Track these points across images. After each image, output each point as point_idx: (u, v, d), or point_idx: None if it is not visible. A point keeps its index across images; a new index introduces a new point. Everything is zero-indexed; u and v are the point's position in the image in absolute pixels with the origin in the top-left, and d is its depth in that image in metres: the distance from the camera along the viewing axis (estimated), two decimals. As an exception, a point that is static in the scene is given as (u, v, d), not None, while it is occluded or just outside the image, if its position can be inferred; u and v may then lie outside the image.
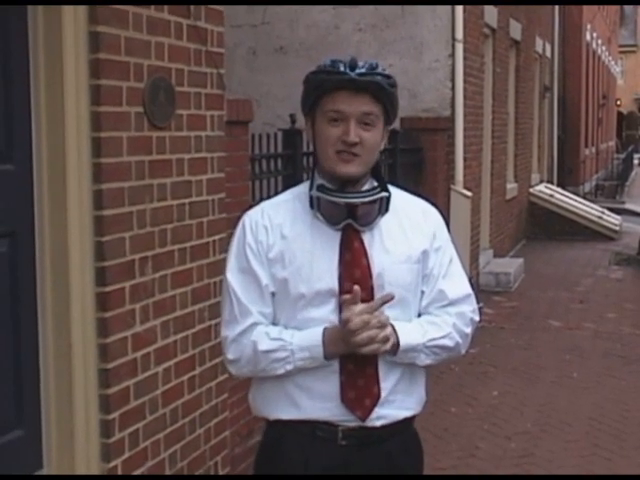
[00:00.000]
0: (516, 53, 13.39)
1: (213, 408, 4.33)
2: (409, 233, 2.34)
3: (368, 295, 2.23)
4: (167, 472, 3.93)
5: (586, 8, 22.89)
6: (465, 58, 8.98)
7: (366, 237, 2.29)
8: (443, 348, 2.33)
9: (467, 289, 2.41)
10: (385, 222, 2.32)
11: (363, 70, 2.22)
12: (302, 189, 2.37)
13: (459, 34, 8.73)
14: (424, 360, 2.31)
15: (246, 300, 2.28)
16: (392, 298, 2.21)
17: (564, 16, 20.45)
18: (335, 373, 2.26)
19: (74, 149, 3.36)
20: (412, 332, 2.28)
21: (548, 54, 17.27)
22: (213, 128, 4.26)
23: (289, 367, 2.25)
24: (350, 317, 2.15)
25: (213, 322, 4.19)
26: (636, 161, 37.74)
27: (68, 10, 3.32)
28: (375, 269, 2.27)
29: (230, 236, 2.48)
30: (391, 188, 2.35)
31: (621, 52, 43.91)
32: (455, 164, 9.04)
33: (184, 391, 4.06)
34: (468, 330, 2.38)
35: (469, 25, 9.32)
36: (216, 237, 4.30)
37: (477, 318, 2.43)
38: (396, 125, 7.78)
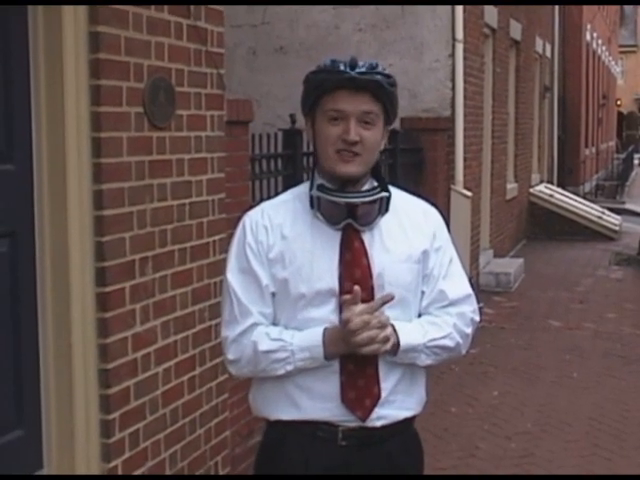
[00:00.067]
0: (516, 53, 13.39)
1: (213, 408, 4.33)
2: (409, 233, 2.34)
3: (368, 295, 2.23)
4: (167, 472, 3.93)
5: (586, 8, 22.89)
6: (465, 58, 8.98)
7: (366, 237, 2.29)
8: (443, 348, 2.33)
9: (467, 289, 2.41)
10: (385, 222, 2.32)
11: (363, 69, 2.22)
12: (302, 189, 2.37)
13: (459, 34, 8.73)
14: (424, 360, 2.31)
15: (246, 300, 2.28)
16: (392, 298, 2.21)
17: (564, 16, 20.45)
18: (335, 373, 2.25)
19: (74, 149, 3.36)
20: (412, 332, 2.28)
21: (548, 54, 17.27)
22: (213, 128, 4.26)
23: (289, 367, 2.25)
24: (350, 317, 2.15)
25: (213, 322, 4.19)
26: (636, 161, 37.74)
27: (68, 10, 3.32)
28: (375, 269, 2.27)
29: (230, 236, 2.48)
30: (391, 188, 2.35)
31: (621, 52, 43.92)
32: (455, 164, 9.04)
33: (184, 391, 4.06)
34: (468, 330, 2.38)
35: (469, 25, 9.32)
36: (216, 237, 4.30)
37: (477, 318, 2.43)
38: (396, 125, 7.78)
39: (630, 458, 5.31)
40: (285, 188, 4.21)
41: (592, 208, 15.97)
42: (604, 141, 31.52)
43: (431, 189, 8.30)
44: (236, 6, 8.54)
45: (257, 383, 2.37)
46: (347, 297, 2.18)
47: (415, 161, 8.38)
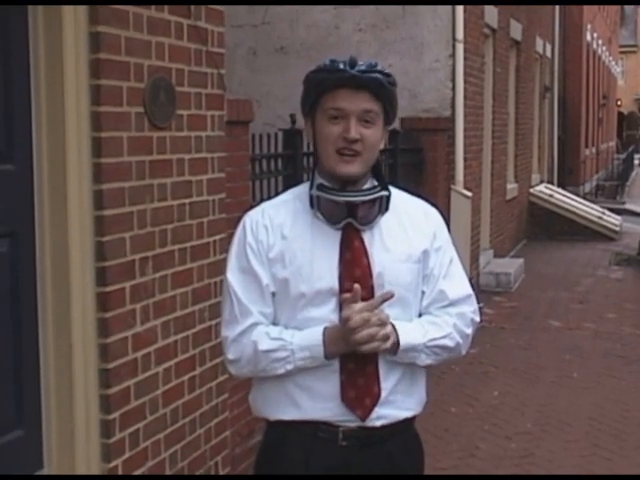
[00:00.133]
0: (516, 53, 13.39)
1: (213, 408, 4.33)
2: (410, 232, 2.34)
3: (368, 294, 2.22)
4: (167, 472, 3.93)
5: (586, 8, 22.89)
6: (465, 58, 8.98)
7: (366, 236, 2.29)
8: (444, 348, 2.33)
9: (468, 289, 2.41)
10: (385, 221, 2.32)
11: (363, 68, 2.23)
12: (302, 189, 2.37)
13: (459, 34, 8.73)
14: (424, 360, 2.31)
15: (246, 300, 2.28)
16: (392, 296, 2.21)
17: (564, 16, 20.44)
18: (335, 373, 2.25)
19: (74, 149, 3.36)
20: (412, 332, 2.28)
21: (548, 54, 17.27)
22: (213, 128, 4.26)
23: (289, 367, 2.25)
24: (350, 315, 2.15)
25: (213, 322, 4.19)
26: (636, 161, 37.74)
27: (68, 10, 3.32)
28: (375, 268, 2.27)
29: (230, 236, 2.48)
30: (391, 188, 2.35)
31: (621, 52, 43.93)
32: (455, 164, 9.05)
33: (184, 391, 4.06)
34: (469, 331, 2.38)
35: (469, 25, 9.32)
36: (216, 237, 4.30)
37: (478, 319, 2.43)
38: (396, 125, 7.78)
39: (630, 458, 5.31)
40: (285, 188, 4.20)
41: (592, 208, 15.97)
42: (604, 141, 31.52)
43: (431, 189, 8.30)
44: (237, 6, 8.54)
45: (257, 383, 2.37)
46: (347, 295, 2.19)
47: (415, 161, 8.38)
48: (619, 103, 40.95)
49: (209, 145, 4.22)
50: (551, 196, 15.39)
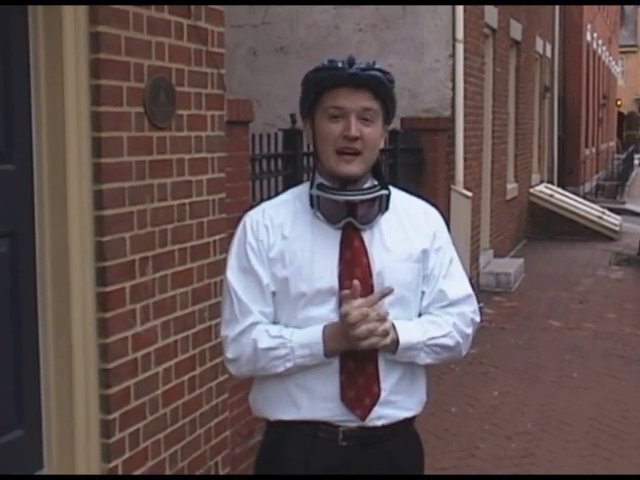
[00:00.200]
0: (516, 53, 13.39)
1: (213, 408, 4.33)
2: (410, 232, 2.35)
3: (368, 294, 2.22)
4: (167, 472, 3.93)
5: (586, 8, 22.89)
6: (465, 58, 8.99)
7: (366, 236, 2.30)
8: (443, 347, 2.33)
9: (468, 290, 2.41)
10: (385, 221, 2.32)
11: (362, 66, 2.24)
12: (303, 189, 2.37)
13: (459, 34, 8.73)
14: (424, 359, 2.31)
15: (247, 299, 2.28)
16: (391, 291, 2.21)
17: (564, 16, 20.45)
18: (335, 372, 2.25)
19: (74, 149, 3.36)
20: (412, 330, 2.28)
21: (548, 54, 17.27)
22: (213, 128, 4.26)
23: (289, 365, 2.24)
24: (349, 310, 2.15)
25: (213, 322, 4.19)
26: (636, 161, 37.74)
27: (68, 10, 3.32)
28: (375, 268, 2.27)
29: (230, 236, 2.48)
30: (391, 188, 2.35)
31: (621, 52, 43.93)
32: (455, 164, 9.05)
33: (184, 391, 4.06)
34: (469, 330, 2.38)
35: (469, 25, 9.32)
36: (216, 237, 4.30)
37: (478, 319, 2.43)
38: (396, 125, 7.78)
39: (630, 458, 5.31)
40: (285, 188, 4.21)
41: (592, 208, 15.97)
42: (604, 141, 31.52)
43: (431, 189, 8.30)
44: (237, 6, 8.54)
45: (258, 383, 2.38)
46: (346, 292, 2.19)
47: (415, 161, 8.38)
48: (619, 103, 40.94)
49: (209, 145, 4.22)
50: (551, 196, 15.39)
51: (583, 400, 6.40)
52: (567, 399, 6.42)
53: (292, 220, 2.31)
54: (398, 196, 2.40)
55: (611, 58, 33.29)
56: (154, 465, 3.82)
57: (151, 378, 3.78)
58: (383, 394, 2.27)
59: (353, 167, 2.26)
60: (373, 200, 2.28)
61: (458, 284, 2.39)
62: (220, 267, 3.91)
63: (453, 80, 8.82)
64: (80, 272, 3.40)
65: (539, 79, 16.41)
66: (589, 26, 23.75)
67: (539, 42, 15.65)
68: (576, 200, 16.24)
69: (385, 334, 2.19)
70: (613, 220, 15.62)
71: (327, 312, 2.25)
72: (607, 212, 15.99)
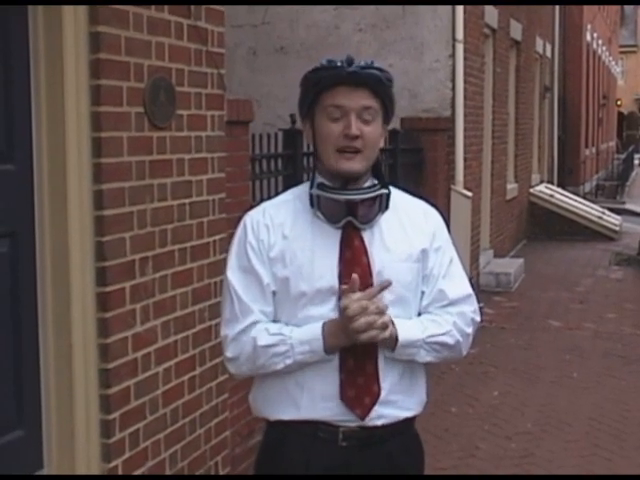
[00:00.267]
0: (516, 53, 13.39)
1: (213, 408, 4.33)
2: (409, 231, 2.35)
3: (368, 293, 2.23)
4: (167, 472, 3.93)
5: (586, 8, 22.89)
6: (465, 58, 8.99)
7: (366, 235, 2.30)
8: (443, 345, 2.32)
9: (468, 289, 2.41)
10: (385, 220, 2.33)
11: (360, 65, 2.24)
12: (303, 189, 2.38)
13: (459, 34, 8.73)
14: (424, 357, 2.30)
15: (247, 299, 2.28)
16: (390, 284, 2.21)
17: (564, 16, 20.45)
18: (335, 371, 2.25)
19: (74, 149, 3.36)
20: (412, 328, 2.28)
21: (548, 54, 17.27)
22: (213, 128, 4.26)
23: (289, 361, 2.24)
24: (348, 304, 2.16)
25: (213, 322, 4.19)
26: (636, 161, 37.74)
27: (68, 10, 3.32)
28: (375, 267, 2.27)
29: (230, 236, 2.48)
30: (391, 188, 2.36)
31: (621, 52, 43.93)
32: (455, 164, 9.05)
33: (184, 391, 4.06)
34: (469, 330, 2.38)
35: (469, 25, 9.32)
36: (216, 237, 4.30)
37: (478, 318, 2.43)
38: (396, 125, 7.79)
39: (630, 458, 5.31)
40: (285, 188, 4.21)
41: (592, 208, 15.97)
42: (604, 141, 31.52)
43: (431, 189, 8.30)
44: (237, 6, 8.54)
45: (258, 383, 2.38)
46: (345, 286, 2.19)
47: (415, 161, 8.38)
48: (619, 103, 40.94)
49: (209, 145, 4.22)
50: (551, 196, 15.39)
51: (583, 400, 6.40)
52: (567, 399, 6.42)
53: (292, 220, 2.31)
54: (398, 196, 2.40)
55: (611, 58, 33.29)
56: (154, 465, 3.82)
57: (151, 378, 3.78)
58: (383, 393, 2.27)
59: (354, 164, 2.26)
60: (373, 199, 2.28)
61: (458, 284, 2.39)
62: (220, 267, 3.91)
63: (453, 80, 8.82)
64: (80, 272, 3.40)
65: (539, 79, 16.42)
66: (589, 26, 23.75)
67: (539, 42, 15.65)
68: (576, 200, 16.24)
69: (384, 327, 2.19)
70: (613, 220, 15.62)
71: (327, 311, 2.25)
72: (607, 212, 15.99)
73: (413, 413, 2.37)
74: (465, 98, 9.06)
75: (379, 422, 2.28)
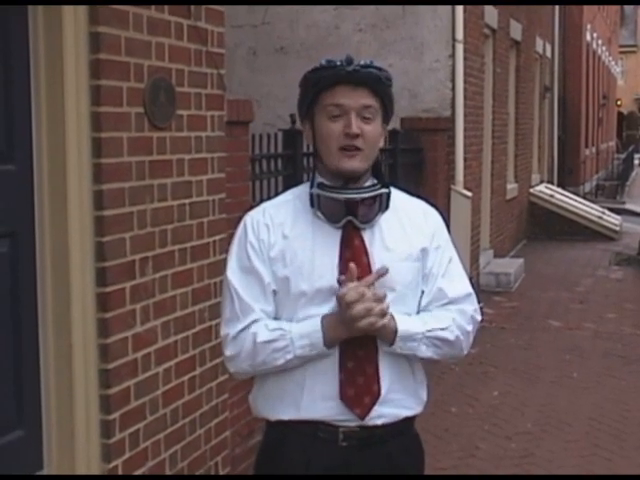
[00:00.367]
0: (516, 53, 13.39)
1: (213, 408, 4.33)
2: (409, 231, 2.35)
3: (367, 292, 2.23)
4: (167, 472, 3.93)
5: (586, 8, 22.90)
6: (465, 58, 8.99)
7: (366, 235, 2.30)
8: (443, 341, 2.32)
9: (467, 288, 2.41)
10: (385, 220, 2.33)
11: (360, 64, 2.25)
12: (303, 189, 2.38)
13: (459, 34, 8.73)
14: (425, 352, 2.30)
15: (248, 298, 2.28)
16: (387, 271, 2.22)
17: (564, 16, 20.45)
18: (335, 371, 2.25)
19: (74, 149, 3.36)
20: (411, 321, 2.28)
21: (548, 54, 17.27)
22: (213, 128, 4.26)
23: (289, 356, 2.24)
24: (346, 291, 2.16)
25: (213, 322, 4.19)
26: (636, 161, 37.75)
27: (68, 10, 3.32)
28: (375, 267, 2.27)
29: (230, 236, 2.48)
30: (391, 188, 2.36)
31: (621, 52, 43.92)
32: (455, 164, 9.05)
33: (184, 391, 4.06)
34: (469, 328, 2.38)
35: (469, 25, 9.32)
36: (216, 237, 4.30)
37: (479, 317, 2.43)
38: (396, 125, 7.79)
39: (630, 458, 5.31)
40: (285, 188, 4.21)
41: (592, 208, 15.97)
42: (604, 141, 31.52)
43: (431, 189, 8.30)
44: (237, 6, 8.54)
45: (258, 383, 2.38)
46: (343, 277, 2.19)
47: (415, 161, 8.38)
48: (619, 103, 40.94)
49: (209, 145, 4.22)
50: (551, 196, 15.39)
51: (583, 400, 6.40)
52: (567, 399, 6.42)
53: (292, 219, 2.32)
54: (398, 196, 2.40)
55: (611, 58, 33.28)
56: (154, 465, 3.82)
57: (151, 378, 3.78)
58: (383, 393, 2.27)
59: (355, 162, 2.26)
60: (374, 199, 2.29)
61: (457, 283, 2.39)
62: (220, 267, 3.91)
63: (453, 80, 8.82)
64: (80, 272, 3.40)
65: (539, 79, 16.42)
66: (589, 26, 23.75)
67: (539, 42, 15.65)
68: (576, 200, 16.24)
69: (383, 314, 2.19)
70: (613, 220, 15.62)
71: (327, 311, 2.25)
72: (607, 212, 15.99)
73: (413, 412, 2.37)
74: (465, 98, 9.06)
75: (379, 421, 2.28)
